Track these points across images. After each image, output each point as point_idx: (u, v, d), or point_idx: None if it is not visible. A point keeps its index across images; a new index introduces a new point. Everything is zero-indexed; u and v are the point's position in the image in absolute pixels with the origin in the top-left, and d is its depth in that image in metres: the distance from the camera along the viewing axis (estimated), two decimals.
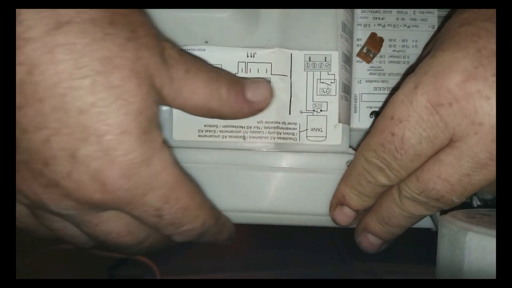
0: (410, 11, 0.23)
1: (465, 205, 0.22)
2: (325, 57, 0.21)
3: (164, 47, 0.17)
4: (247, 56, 0.21)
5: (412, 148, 0.17)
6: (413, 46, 0.23)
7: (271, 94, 0.20)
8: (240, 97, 0.19)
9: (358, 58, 0.23)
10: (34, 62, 0.14)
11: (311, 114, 0.21)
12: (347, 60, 0.22)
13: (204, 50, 0.21)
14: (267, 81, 0.20)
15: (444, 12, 0.23)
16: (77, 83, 0.15)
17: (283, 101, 0.21)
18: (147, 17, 0.17)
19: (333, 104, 0.21)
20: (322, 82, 0.21)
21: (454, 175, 0.17)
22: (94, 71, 0.15)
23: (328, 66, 0.21)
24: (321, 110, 0.21)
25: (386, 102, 0.23)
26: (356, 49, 0.23)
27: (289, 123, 0.21)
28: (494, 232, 0.15)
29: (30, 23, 0.14)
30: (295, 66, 0.21)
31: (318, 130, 0.21)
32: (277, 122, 0.21)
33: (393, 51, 0.23)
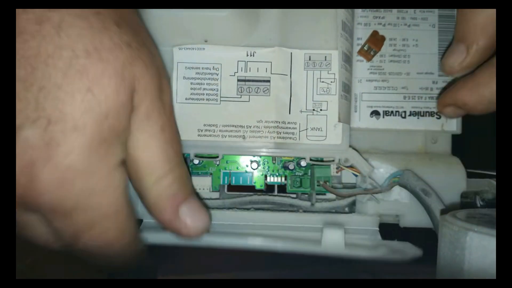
0: (410, 10, 0.23)
1: (466, 205, 0.22)
2: (325, 56, 0.21)
3: (163, 83, 0.16)
4: (247, 55, 0.21)
5: None
6: (413, 45, 0.23)
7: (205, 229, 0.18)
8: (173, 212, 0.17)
9: (358, 57, 0.23)
10: (21, 30, 0.13)
11: (311, 113, 0.21)
12: (347, 59, 0.22)
13: (204, 49, 0.21)
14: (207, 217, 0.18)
15: (444, 11, 0.23)
16: (51, 61, 0.13)
17: (283, 101, 0.21)
18: (154, 42, 0.16)
19: (333, 103, 0.21)
20: (322, 82, 0.21)
21: None
22: (74, 55, 0.13)
23: (328, 65, 0.21)
24: (321, 110, 0.21)
25: (386, 102, 0.23)
26: (356, 48, 0.23)
27: (289, 123, 0.21)
28: (494, 232, 0.15)
29: None
30: (295, 65, 0.21)
31: (318, 129, 0.21)
32: (277, 122, 0.21)
33: (394, 50, 0.23)
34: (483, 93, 0.19)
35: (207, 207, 0.23)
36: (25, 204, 0.14)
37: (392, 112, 0.23)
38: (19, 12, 0.13)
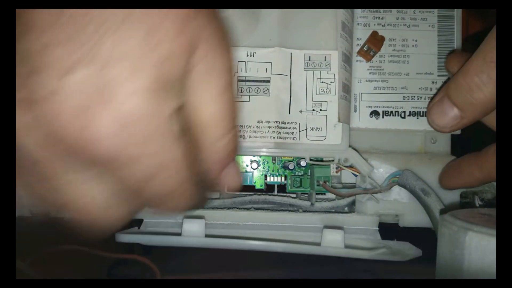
0: (410, 10, 0.23)
1: (465, 204, 0.22)
2: (325, 57, 0.21)
3: (227, 40, 0.15)
4: (247, 56, 0.21)
5: None
6: (413, 46, 0.23)
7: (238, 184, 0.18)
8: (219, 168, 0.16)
9: (358, 58, 0.23)
10: None
11: (311, 113, 0.21)
12: (347, 60, 0.22)
13: None
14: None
15: (444, 11, 0.23)
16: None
17: (283, 101, 0.21)
18: None
19: (333, 103, 0.21)
20: (322, 82, 0.21)
21: None
22: None
23: (328, 65, 0.21)
24: (320, 110, 0.21)
25: (385, 102, 0.23)
26: (356, 49, 0.23)
27: (288, 123, 0.21)
28: (494, 231, 0.15)
29: None
30: (294, 65, 0.21)
31: (318, 129, 0.21)
32: (276, 122, 0.21)
33: (393, 50, 0.23)
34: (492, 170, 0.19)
35: (206, 207, 0.23)
36: (77, 156, 0.13)
37: (391, 112, 0.23)
38: None
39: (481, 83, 0.18)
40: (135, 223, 0.22)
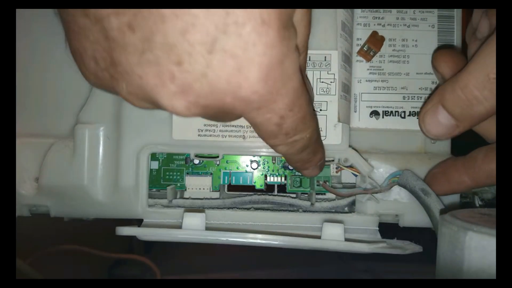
0: (410, 10, 0.23)
1: (465, 204, 0.22)
2: (325, 57, 0.21)
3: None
4: None
5: None
6: (413, 46, 0.23)
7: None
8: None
9: (358, 58, 0.23)
10: None
11: None
12: (347, 60, 0.22)
13: None
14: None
15: (444, 12, 0.23)
16: None
17: None
18: None
19: (333, 103, 0.21)
20: (322, 82, 0.21)
21: None
22: None
23: (328, 65, 0.21)
24: (320, 110, 0.21)
25: (385, 102, 0.23)
26: (356, 49, 0.23)
27: None
28: (494, 231, 0.15)
29: None
30: None
31: None
32: None
33: (393, 50, 0.23)
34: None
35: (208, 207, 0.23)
36: (231, 110, 0.15)
37: (391, 112, 0.23)
38: None
39: (482, 98, 0.17)
40: (135, 224, 0.22)
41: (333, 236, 0.20)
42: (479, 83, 0.17)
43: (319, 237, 0.21)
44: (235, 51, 0.13)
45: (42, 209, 0.23)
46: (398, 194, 0.22)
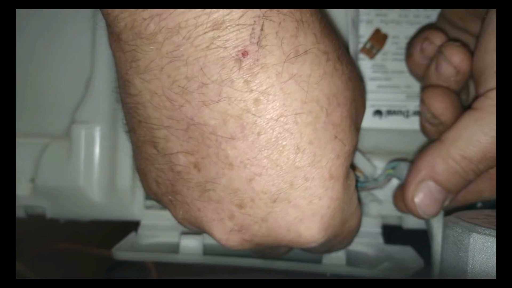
0: None
1: (469, 206, 0.22)
2: None
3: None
4: None
5: None
6: None
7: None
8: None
9: (361, 56, 0.23)
10: (265, 91, 0.13)
11: None
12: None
13: None
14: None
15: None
16: (301, 118, 0.13)
17: None
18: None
19: None
20: None
21: None
22: (319, 107, 0.13)
23: None
24: None
25: (389, 101, 0.23)
26: (359, 46, 0.23)
27: None
28: None
29: (269, 48, 0.13)
30: None
31: None
32: None
33: (397, 48, 0.23)
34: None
35: None
36: (288, 249, 0.17)
37: (395, 111, 0.23)
38: (256, 71, 0.13)
39: (480, 172, 0.17)
40: (132, 225, 0.22)
41: (334, 260, 0.20)
42: (478, 161, 0.16)
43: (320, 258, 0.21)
44: (299, 202, 0.14)
45: (38, 211, 0.22)
46: None
